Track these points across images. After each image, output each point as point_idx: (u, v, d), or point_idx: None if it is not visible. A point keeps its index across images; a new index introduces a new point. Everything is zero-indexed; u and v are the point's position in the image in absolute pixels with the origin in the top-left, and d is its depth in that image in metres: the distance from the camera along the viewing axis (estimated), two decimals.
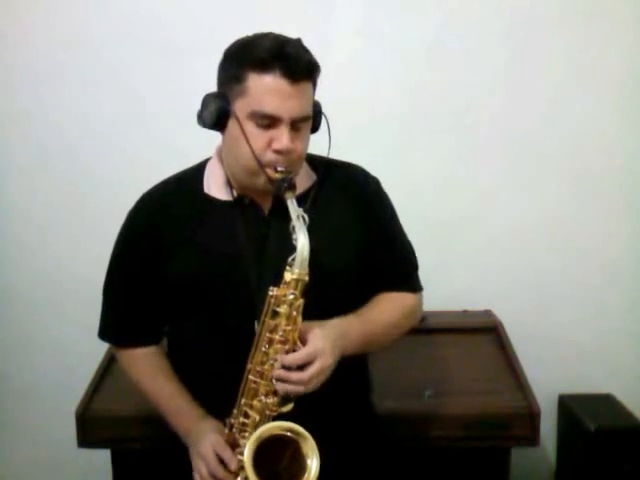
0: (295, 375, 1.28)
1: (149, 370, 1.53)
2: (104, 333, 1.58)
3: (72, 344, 2.43)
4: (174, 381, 1.50)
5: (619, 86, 2.41)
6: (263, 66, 1.30)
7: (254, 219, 1.44)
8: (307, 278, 1.30)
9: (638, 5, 2.36)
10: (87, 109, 2.39)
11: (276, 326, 1.31)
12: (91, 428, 1.91)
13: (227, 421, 1.37)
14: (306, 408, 1.30)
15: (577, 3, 2.36)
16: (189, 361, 1.50)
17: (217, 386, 1.43)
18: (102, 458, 2.04)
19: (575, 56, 2.38)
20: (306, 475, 1.28)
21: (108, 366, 2.09)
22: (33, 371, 2.52)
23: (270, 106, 1.31)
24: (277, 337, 1.31)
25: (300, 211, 1.31)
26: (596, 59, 2.38)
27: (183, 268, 1.43)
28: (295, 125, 1.34)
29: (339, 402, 1.43)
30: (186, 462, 1.42)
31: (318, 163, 1.50)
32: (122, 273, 1.52)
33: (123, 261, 1.52)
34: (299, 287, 1.30)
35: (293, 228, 1.29)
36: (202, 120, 1.39)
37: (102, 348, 2.04)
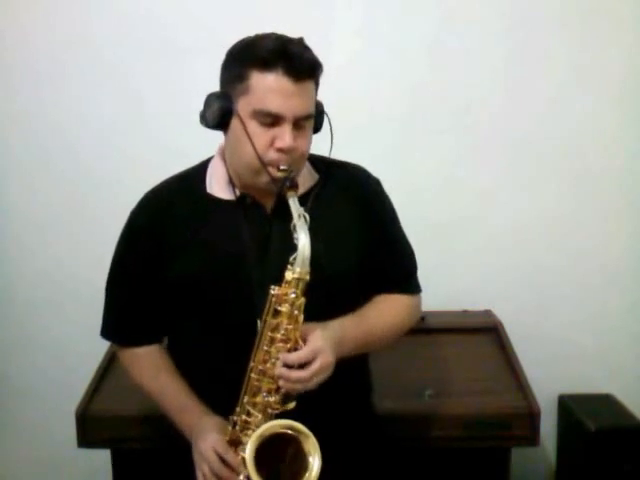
0: (296, 373, 1.29)
1: (152, 369, 1.52)
2: (106, 332, 1.57)
3: (72, 344, 2.43)
4: (177, 378, 1.49)
5: (619, 86, 2.41)
6: (266, 65, 1.31)
7: (257, 218, 1.44)
8: (308, 277, 1.30)
9: (638, 5, 2.36)
10: (87, 109, 2.39)
11: (278, 325, 1.32)
12: (91, 428, 1.91)
13: (231, 419, 1.37)
14: (306, 408, 1.31)
15: (577, 3, 2.36)
16: (190, 359, 1.50)
17: (218, 385, 1.43)
18: (102, 458, 2.04)
19: (575, 56, 2.38)
20: (307, 474, 1.29)
21: (108, 366, 2.09)
22: (33, 371, 2.51)
23: (273, 104, 1.31)
24: (279, 336, 1.32)
25: (301, 210, 1.31)
26: (596, 59, 2.38)
27: (186, 267, 1.43)
28: (298, 123, 1.34)
29: (339, 402, 1.43)
30: (186, 462, 1.42)
31: (320, 163, 1.50)
32: (124, 273, 1.52)
33: (125, 261, 1.51)
34: (300, 286, 1.30)
35: (294, 227, 1.29)
36: (205, 120, 1.39)
37: (102, 348, 2.04)
